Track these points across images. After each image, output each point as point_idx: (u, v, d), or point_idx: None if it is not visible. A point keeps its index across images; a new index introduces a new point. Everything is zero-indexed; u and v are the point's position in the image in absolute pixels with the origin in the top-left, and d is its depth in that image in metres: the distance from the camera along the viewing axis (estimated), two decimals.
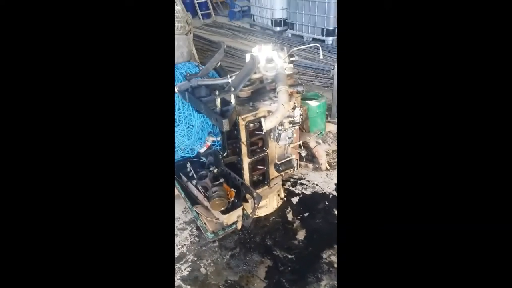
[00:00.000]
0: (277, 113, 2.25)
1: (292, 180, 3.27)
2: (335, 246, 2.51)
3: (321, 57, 2.90)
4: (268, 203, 2.83)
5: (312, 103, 3.47)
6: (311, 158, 3.17)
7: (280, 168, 2.77)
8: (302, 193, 3.10)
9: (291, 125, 2.57)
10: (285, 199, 3.02)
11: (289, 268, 2.37)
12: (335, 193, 3.07)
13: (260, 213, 2.81)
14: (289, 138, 2.65)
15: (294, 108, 2.55)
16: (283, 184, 3.20)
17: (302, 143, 2.92)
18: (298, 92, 2.54)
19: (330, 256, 2.43)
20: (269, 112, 2.46)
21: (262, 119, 2.23)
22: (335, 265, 2.35)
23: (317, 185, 3.18)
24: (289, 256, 2.46)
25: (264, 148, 2.66)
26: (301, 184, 3.22)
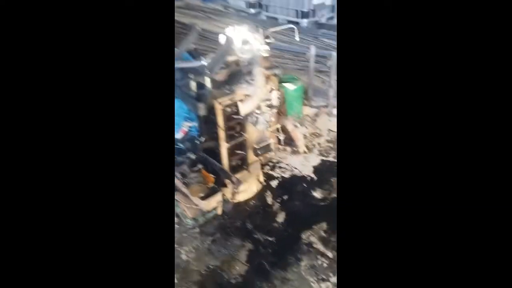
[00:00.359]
0: (254, 97, 2.22)
1: (271, 163, 3.27)
2: (314, 227, 2.56)
3: (297, 39, 2.86)
4: (248, 187, 2.83)
5: (289, 86, 3.46)
6: (289, 141, 3.18)
7: (259, 152, 2.76)
8: (281, 176, 3.12)
9: (268, 108, 2.55)
10: (264, 183, 3.03)
11: (270, 250, 2.40)
12: (313, 175, 3.11)
13: (240, 198, 2.80)
14: (267, 121, 2.63)
15: (271, 91, 2.53)
16: (262, 168, 3.20)
17: (280, 126, 2.91)
18: (275, 75, 2.51)
19: (309, 236, 2.49)
20: (246, 95, 2.42)
21: (239, 103, 2.19)
22: (314, 245, 2.41)
23: (295, 168, 3.21)
24: (270, 239, 2.49)
25: (242, 133, 2.62)
26: (280, 167, 3.23)
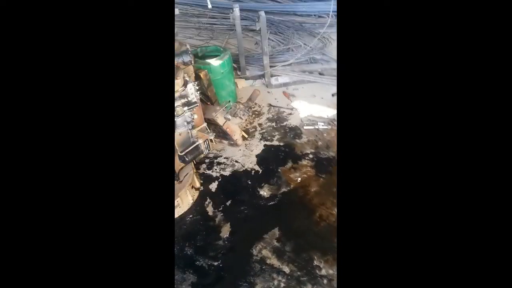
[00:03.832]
0: None
1: (207, 160, 2.76)
2: (265, 236, 2.20)
3: (210, 6, 2.18)
4: (181, 201, 2.32)
5: (214, 62, 2.82)
6: (223, 135, 2.65)
7: (187, 158, 2.22)
8: (221, 175, 2.65)
9: (186, 107, 1.96)
10: (201, 188, 2.54)
11: (216, 278, 2.00)
12: (257, 168, 2.68)
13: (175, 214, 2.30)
14: (188, 122, 2.06)
15: (184, 84, 1.91)
16: (198, 169, 2.69)
17: (209, 121, 2.35)
18: (184, 64, 1.87)
19: (261, 250, 2.12)
20: None
21: None
22: (268, 261, 2.06)
23: (236, 161, 2.74)
24: (215, 264, 2.08)
25: None
26: (218, 164, 2.74)
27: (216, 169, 2.70)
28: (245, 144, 2.88)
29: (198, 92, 2.02)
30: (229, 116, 2.53)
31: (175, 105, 1.85)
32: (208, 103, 2.57)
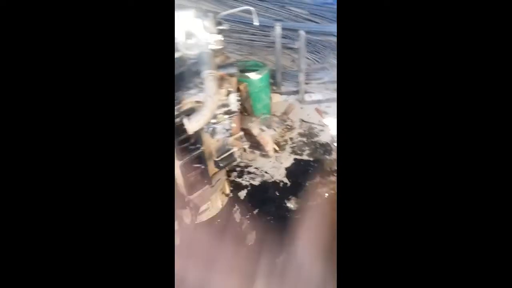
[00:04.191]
0: (205, 110, 1.75)
1: (238, 169, 2.87)
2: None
3: (256, 23, 2.34)
4: (211, 204, 2.43)
5: (253, 76, 2.97)
6: (256, 145, 2.76)
7: (221, 164, 2.33)
8: (250, 184, 2.74)
9: (226, 116, 2.09)
10: (231, 194, 2.64)
11: None
12: (286, 180, 2.75)
13: (203, 217, 2.41)
14: (226, 130, 2.18)
15: (228, 94, 2.05)
16: (229, 175, 2.80)
17: (244, 131, 2.47)
18: (229, 75, 2.02)
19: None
20: (196, 103, 1.94)
21: (185, 120, 1.71)
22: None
23: (266, 172, 2.83)
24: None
25: (198, 145, 2.17)
26: (249, 173, 2.84)
27: (246, 178, 2.80)
28: (276, 156, 2.97)
29: (239, 103, 2.15)
30: (264, 128, 2.63)
31: (218, 112, 1.98)
32: (245, 113, 2.70)
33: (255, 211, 2.51)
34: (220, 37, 2.06)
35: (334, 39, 4.86)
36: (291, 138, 3.20)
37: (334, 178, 2.74)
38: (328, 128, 3.30)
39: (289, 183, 2.74)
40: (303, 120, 3.42)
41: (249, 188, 2.71)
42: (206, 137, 2.18)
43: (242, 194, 2.67)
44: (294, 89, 3.77)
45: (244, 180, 2.78)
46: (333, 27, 5.09)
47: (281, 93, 3.72)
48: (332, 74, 3.93)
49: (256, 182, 2.76)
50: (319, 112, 3.51)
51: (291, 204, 2.54)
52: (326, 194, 2.61)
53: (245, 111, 2.74)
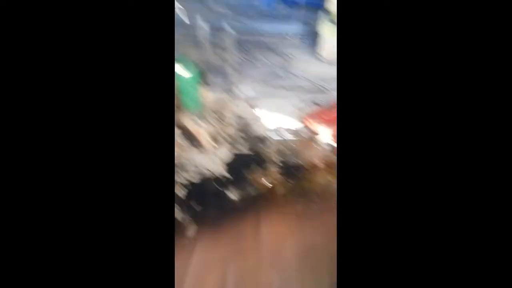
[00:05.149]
0: None
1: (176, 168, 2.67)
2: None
3: (186, 22, 2.22)
4: None
5: (183, 72, 2.82)
6: (191, 139, 2.62)
7: None
8: (191, 183, 2.58)
9: None
10: None
11: None
12: (227, 175, 2.67)
13: None
14: None
15: None
16: None
17: (177, 126, 2.31)
18: None
19: None
20: None
21: None
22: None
23: (207, 169, 2.70)
24: None
25: None
26: (187, 171, 2.67)
27: (185, 176, 2.63)
28: (214, 153, 2.86)
29: None
30: (197, 119, 2.51)
31: None
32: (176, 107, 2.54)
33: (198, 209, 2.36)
34: None
35: (264, 38, 5.01)
36: (227, 134, 3.13)
37: (274, 169, 2.76)
38: (264, 122, 3.33)
39: (231, 178, 2.66)
40: (240, 116, 3.39)
41: (190, 188, 2.55)
42: None
43: (182, 193, 2.49)
44: (226, 85, 3.74)
45: (181, 178, 2.60)
46: (261, 26, 5.24)
47: (213, 91, 3.64)
48: (261, 71, 4.01)
49: (196, 180, 2.61)
50: (252, 107, 3.53)
51: (234, 197, 2.46)
52: (270, 185, 2.61)
53: (176, 106, 2.58)
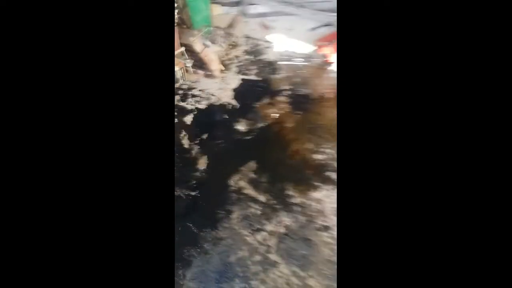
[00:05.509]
0: None
1: (181, 92, 2.62)
2: (242, 168, 2.24)
3: None
4: None
5: None
6: (200, 64, 2.48)
7: None
8: (196, 108, 2.55)
9: None
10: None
11: (194, 207, 2.06)
12: (234, 102, 2.62)
13: None
14: None
15: None
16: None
17: (185, 46, 2.16)
18: None
19: (238, 181, 2.18)
20: None
21: None
22: (245, 191, 2.14)
23: (212, 95, 2.64)
24: (192, 194, 2.11)
25: None
26: (193, 96, 2.62)
27: (190, 101, 2.59)
28: (222, 78, 2.76)
29: (176, 12, 1.81)
30: (209, 43, 2.34)
31: None
32: (184, 26, 2.34)
33: (204, 136, 2.40)
34: None
35: None
36: (236, 57, 2.96)
37: (283, 98, 2.69)
38: (275, 44, 3.11)
39: (238, 105, 2.62)
40: (248, 37, 3.15)
41: (195, 112, 2.53)
42: None
43: (188, 119, 2.49)
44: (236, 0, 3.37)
45: (189, 104, 2.57)
46: None
47: (222, 4, 3.30)
48: None
49: (202, 105, 2.58)
50: (265, 27, 3.25)
51: (240, 126, 2.47)
52: (275, 115, 2.57)
53: (183, 23, 2.37)
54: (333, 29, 3.06)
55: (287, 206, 2.06)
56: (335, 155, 2.31)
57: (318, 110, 2.63)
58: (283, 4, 3.39)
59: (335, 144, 2.40)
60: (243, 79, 2.80)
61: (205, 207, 2.06)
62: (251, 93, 2.71)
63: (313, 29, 3.23)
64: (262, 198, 2.12)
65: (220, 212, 2.04)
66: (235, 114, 2.55)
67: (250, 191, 2.15)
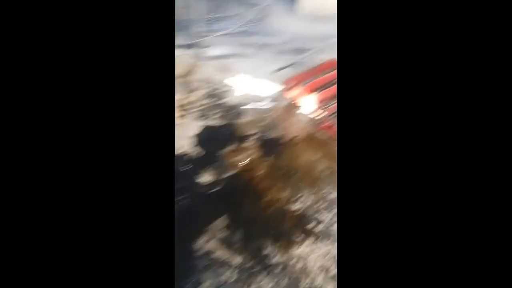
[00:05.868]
0: None
1: None
2: (209, 227, 1.94)
3: None
4: None
5: None
6: None
7: None
8: None
9: None
10: None
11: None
12: (196, 151, 2.36)
13: None
14: None
15: None
16: None
17: None
18: None
19: (206, 244, 1.86)
20: None
21: None
22: (213, 255, 1.82)
23: None
24: None
25: None
26: None
27: None
28: (180, 123, 2.52)
29: None
30: None
31: None
32: None
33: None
34: None
35: None
36: (195, 101, 2.77)
37: (250, 143, 2.50)
38: (236, 88, 2.98)
39: (200, 155, 2.36)
40: (206, 80, 3.00)
41: None
42: None
43: None
44: (190, 42, 3.25)
45: None
46: None
47: (176, 46, 3.15)
48: (236, 25, 3.53)
49: None
50: (226, 70, 3.14)
51: (205, 178, 2.20)
52: (242, 162, 2.36)
53: None
54: (299, 70, 3.03)
55: (266, 268, 1.78)
56: (314, 203, 2.13)
57: (290, 154, 2.47)
58: (243, 45, 3.35)
59: (313, 190, 2.22)
60: (204, 125, 2.59)
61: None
62: (214, 139, 2.49)
63: (277, 70, 3.18)
64: (238, 259, 1.81)
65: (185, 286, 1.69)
66: (197, 163, 2.29)
67: (220, 253, 1.84)
